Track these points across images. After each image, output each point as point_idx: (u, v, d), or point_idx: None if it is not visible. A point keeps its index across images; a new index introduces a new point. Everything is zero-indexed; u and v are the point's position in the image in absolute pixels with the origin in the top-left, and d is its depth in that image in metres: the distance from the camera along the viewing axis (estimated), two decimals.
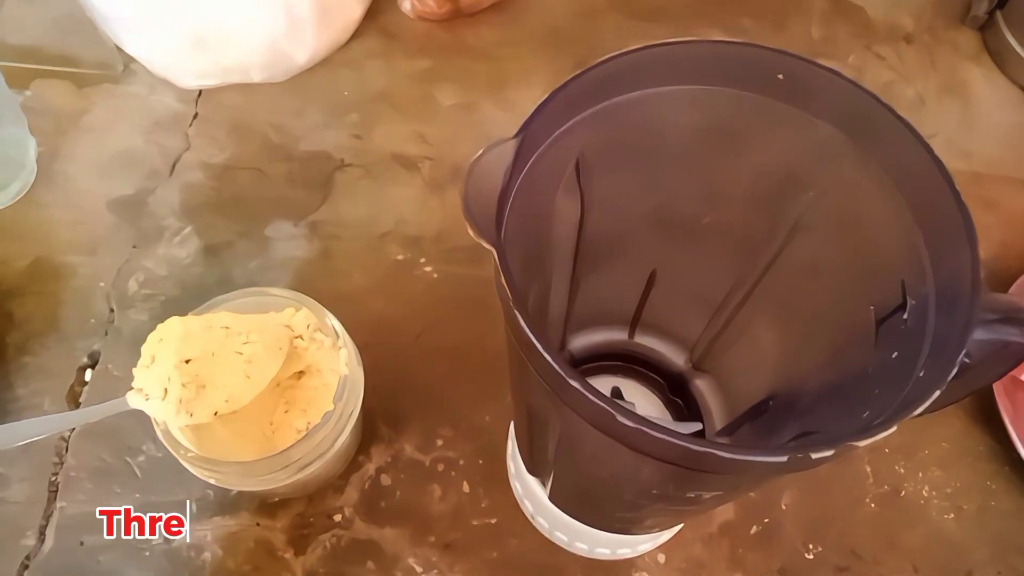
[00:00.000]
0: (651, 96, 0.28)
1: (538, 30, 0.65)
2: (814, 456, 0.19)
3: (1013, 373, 0.48)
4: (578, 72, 0.26)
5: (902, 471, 0.46)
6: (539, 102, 0.24)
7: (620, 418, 0.19)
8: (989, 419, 0.47)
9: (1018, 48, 0.61)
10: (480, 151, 0.23)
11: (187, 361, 0.35)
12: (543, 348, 0.20)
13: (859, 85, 0.26)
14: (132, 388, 0.35)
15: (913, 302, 0.25)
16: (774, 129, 0.28)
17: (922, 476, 0.46)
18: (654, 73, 0.27)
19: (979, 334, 0.22)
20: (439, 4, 0.63)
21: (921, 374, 0.22)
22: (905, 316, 0.25)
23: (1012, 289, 0.49)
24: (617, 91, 0.27)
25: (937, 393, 0.20)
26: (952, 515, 0.45)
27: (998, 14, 0.64)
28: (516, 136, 0.23)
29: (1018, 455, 0.45)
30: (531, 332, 0.20)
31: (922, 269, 0.25)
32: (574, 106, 0.27)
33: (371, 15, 0.64)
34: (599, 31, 0.65)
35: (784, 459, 0.18)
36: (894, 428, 0.19)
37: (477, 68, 0.63)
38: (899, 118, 0.25)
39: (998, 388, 0.46)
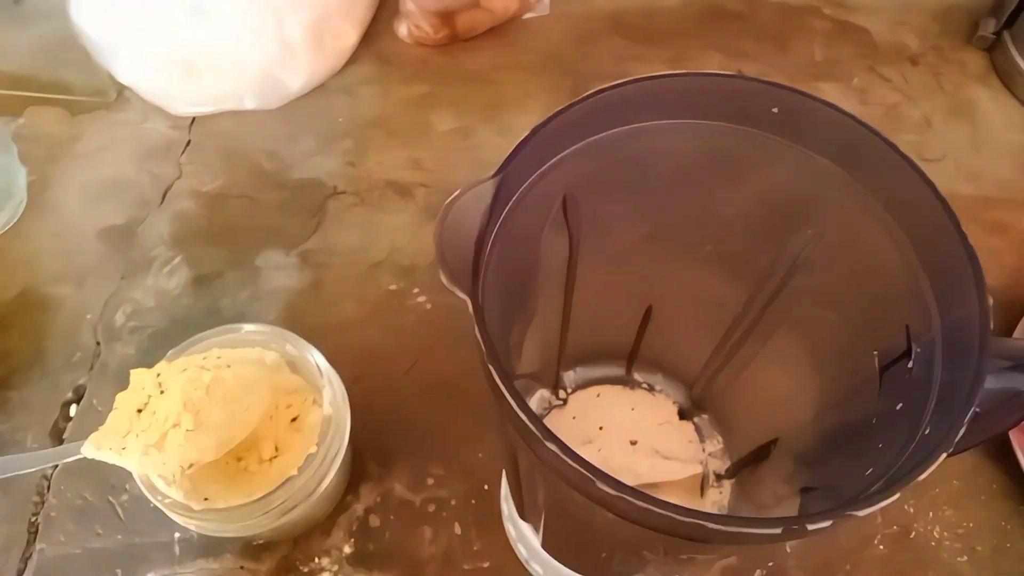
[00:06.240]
0: (641, 130, 0.27)
1: (536, 54, 0.64)
2: (810, 527, 0.17)
3: None
4: (563, 107, 0.25)
5: (911, 510, 0.44)
6: (520, 138, 0.23)
7: (600, 484, 0.17)
8: (1002, 455, 0.45)
9: None
10: (455, 192, 0.22)
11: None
12: (518, 406, 0.18)
13: (857, 119, 0.24)
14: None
15: (918, 350, 0.24)
16: (769, 164, 0.27)
17: (933, 516, 0.44)
18: (644, 107, 0.26)
19: (990, 382, 0.21)
20: (436, 29, 0.62)
21: (927, 431, 0.21)
22: (910, 364, 0.24)
23: (1019, 327, 0.47)
24: (606, 126, 0.26)
25: (943, 456, 0.18)
26: (965, 557, 0.43)
27: (1006, 34, 0.62)
28: (495, 175, 0.22)
29: None
30: (506, 389, 0.19)
31: (928, 315, 0.24)
32: (560, 142, 0.26)
33: (367, 41, 0.64)
34: (597, 55, 0.64)
35: (778, 531, 0.17)
36: (897, 496, 0.18)
37: (474, 93, 0.62)
38: (900, 153, 0.24)
39: None
